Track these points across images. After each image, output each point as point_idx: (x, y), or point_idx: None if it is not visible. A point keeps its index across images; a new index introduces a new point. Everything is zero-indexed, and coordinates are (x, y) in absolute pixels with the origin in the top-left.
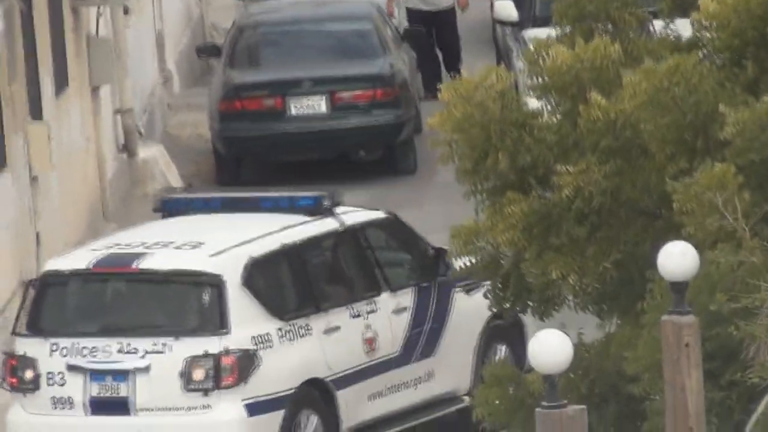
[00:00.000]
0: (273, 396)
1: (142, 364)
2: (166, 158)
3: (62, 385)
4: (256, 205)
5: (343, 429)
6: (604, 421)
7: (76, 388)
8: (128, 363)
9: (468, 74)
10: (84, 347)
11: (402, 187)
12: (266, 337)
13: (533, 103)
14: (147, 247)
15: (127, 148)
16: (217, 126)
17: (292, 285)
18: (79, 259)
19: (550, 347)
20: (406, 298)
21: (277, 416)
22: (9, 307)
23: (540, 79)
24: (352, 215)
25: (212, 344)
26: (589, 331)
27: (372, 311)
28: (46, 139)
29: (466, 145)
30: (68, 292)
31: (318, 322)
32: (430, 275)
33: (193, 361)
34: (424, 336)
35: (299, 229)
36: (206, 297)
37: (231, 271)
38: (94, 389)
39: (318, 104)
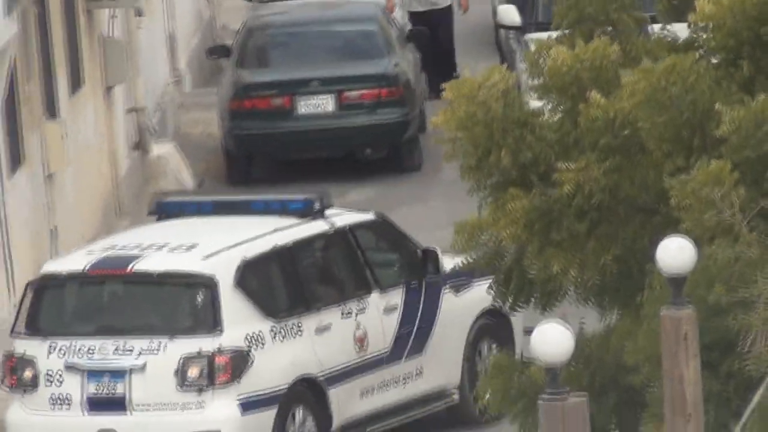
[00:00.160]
0: (266, 393)
1: (138, 363)
2: (178, 156)
3: (60, 384)
4: (248, 208)
5: (335, 425)
6: (604, 411)
7: (74, 387)
8: (125, 362)
9: (471, 74)
10: (81, 347)
11: (407, 184)
12: (259, 337)
13: (534, 102)
14: (142, 250)
15: (140, 145)
16: (227, 124)
17: (283, 285)
18: (76, 261)
19: (552, 339)
20: (396, 297)
21: (270, 413)
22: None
23: (541, 79)
24: (341, 217)
25: (206, 343)
26: (590, 323)
27: (362, 310)
28: (61, 137)
29: (469, 143)
30: (65, 294)
31: (309, 322)
32: (418, 275)
33: (187, 360)
34: (413, 334)
35: (290, 231)
36: (200, 298)
37: (224, 273)
38: (92, 388)
39: (325, 103)
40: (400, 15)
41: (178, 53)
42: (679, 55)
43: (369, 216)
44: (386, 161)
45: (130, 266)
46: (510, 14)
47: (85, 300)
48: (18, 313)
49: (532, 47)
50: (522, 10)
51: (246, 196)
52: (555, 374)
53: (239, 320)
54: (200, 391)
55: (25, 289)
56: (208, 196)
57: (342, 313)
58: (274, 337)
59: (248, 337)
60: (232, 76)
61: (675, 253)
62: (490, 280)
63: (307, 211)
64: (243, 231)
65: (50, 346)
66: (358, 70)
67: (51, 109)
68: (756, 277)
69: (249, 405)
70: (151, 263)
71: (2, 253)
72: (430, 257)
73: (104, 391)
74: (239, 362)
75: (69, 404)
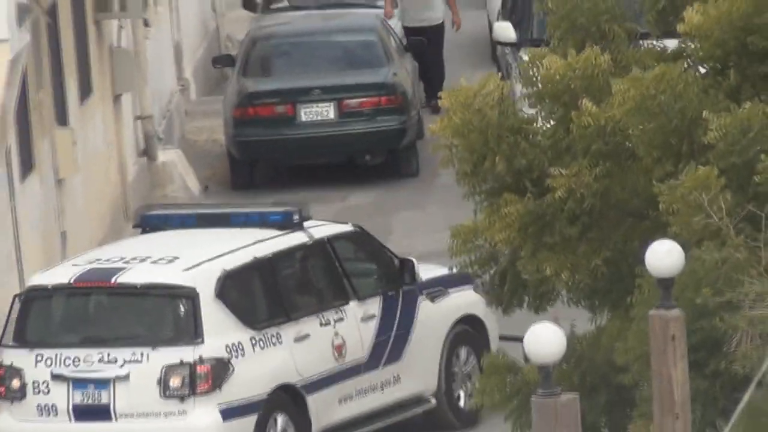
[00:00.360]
0: (246, 401)
1: (122, 372)
2: (184, 162)
3: (47, 393)
4: (229, 221)
5: (315, 431)
6: (595, 409)
7: (60, 396)
8: (109, 372)
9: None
10: (67, 357)
11: (405, 190)
12: (239, 346)
13: (528, 110)
14: (125, 262)
15: (147, 152)
16: (232, 131)
17: (263, 296)
18: (62, 274)
19: (544, 339)
20: (374, 306)
21: (251, 420)
22: None
23: (534, 88)
24: (320, 228)
25: (187, 353)
26: (581, 324)
27: (340, 319)
28: (71, 143)
29: (465, 150)
30: (51, 306)
31: (288, 331)
32: (395, 284)
33: (169, 370)
34: (390, 342)
35: (270, 242)
36: (181, 309)
37: (205, 284)
38: (77, 397)
39: (327, 111)
40: (398, 29)
41: (184, 63)
42: (668, 64)
43: (347, 227)
44: (385, 167)
45: (114, 278)
46: (506, 31)
47: (70, 311)
48: (6, 324)
49: (526, 59)
50: (517, 28)
51: (227, 209)
52: (548, 373)
53: (220, 330)
54: (182, 399)
55: (13, 301)
56: (191, 209)
57: (320, 323)
58: (254, 347)
59: (229, 347)
60: (236, 85)
61: (664, 256)
62: (469, 287)
63: (286, 224)
64: (224, 243)
65: (37, 357)
66: (358, 79)
67: (61, 117)
68: (743, 279)
69: (230, 412)
70: (134, 275)
71: (13, 256)
72: (407, 267)
73: (89, 400)
74: (220, 371)
75: (56, 413)
